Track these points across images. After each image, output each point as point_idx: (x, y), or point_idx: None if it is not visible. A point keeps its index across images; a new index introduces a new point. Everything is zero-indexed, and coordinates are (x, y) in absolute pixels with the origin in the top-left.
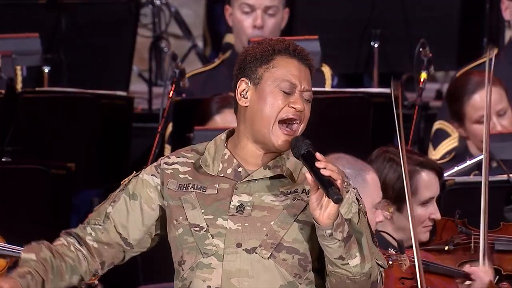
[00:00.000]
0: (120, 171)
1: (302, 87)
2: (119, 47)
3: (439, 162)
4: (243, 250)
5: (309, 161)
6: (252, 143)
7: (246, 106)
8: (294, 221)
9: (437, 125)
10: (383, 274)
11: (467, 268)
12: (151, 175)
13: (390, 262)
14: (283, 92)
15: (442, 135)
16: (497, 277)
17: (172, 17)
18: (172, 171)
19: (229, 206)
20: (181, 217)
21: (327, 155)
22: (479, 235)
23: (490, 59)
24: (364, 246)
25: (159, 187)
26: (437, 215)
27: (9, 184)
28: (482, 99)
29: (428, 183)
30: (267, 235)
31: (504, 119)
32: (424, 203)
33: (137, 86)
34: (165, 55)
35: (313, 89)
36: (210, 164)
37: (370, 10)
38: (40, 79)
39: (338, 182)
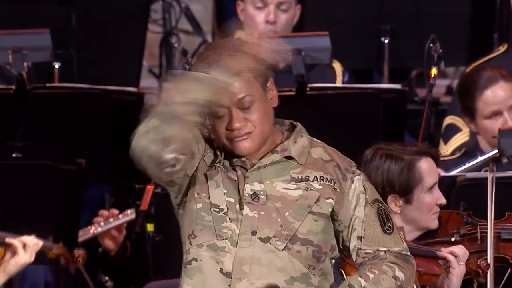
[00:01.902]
0: (131, 167)
1: (234, 105)
2: (130, 42)
3: (450, 158)
4: (257, 238)
5: None
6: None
7: None
8: (308, 212)
9: (448, 120)
10: (411, 259)
11: (444, 249)
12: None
13: None
14: (217, 118)
15: (453, 130)
16: (510, 270)
17: (182, 13)
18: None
19: (243, 193)
20: (203, 194)
21: None
22: (485, 225)
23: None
24: None
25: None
26: (443, 200)
27: (19, 180)
28: (494, 94)
29: (429, 169)
30: (282, 226)
31: None
32: (430, 189)
33: (148, 82)
34: (176, 50)
35: (323, 85)
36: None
37: (380, 5)
38: (51, 74)
39: None
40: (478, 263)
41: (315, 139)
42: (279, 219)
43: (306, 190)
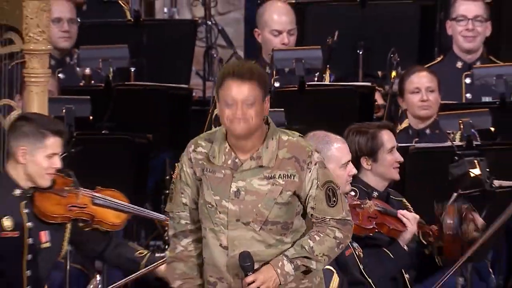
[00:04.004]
0: (183, 140)
1: (241, 99)
2: (183, 54)
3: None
4: (241, 223)
5: (244, 272)
6: (232, 136)
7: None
8: (274, 203)
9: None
10: (349, 222)
11: (400, 212)
12: (190, 167)
13: (362, 206)
14: (227, 105)
15: (405, 115)
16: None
17: (219, 33)
18: (194, 160)
19: (229, 191)
20: (202, 193)
21: (309, 132)
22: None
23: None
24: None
25: (194, 175)
26: (401, 158)
27: (107, 150)
28: (418, 77)
29: (388, 137)
30: (257, 214)
31: (431, 95)
32: (390, 151)
33: (195, 81)
34: (214, 59)
35: (316, 83)
36: (216, 155)
37: (358, 28)
38: (128, 76)
39: None
40: (431, 227)
41: (283, 138)
42: (254, 210)
43: (273, 185)
